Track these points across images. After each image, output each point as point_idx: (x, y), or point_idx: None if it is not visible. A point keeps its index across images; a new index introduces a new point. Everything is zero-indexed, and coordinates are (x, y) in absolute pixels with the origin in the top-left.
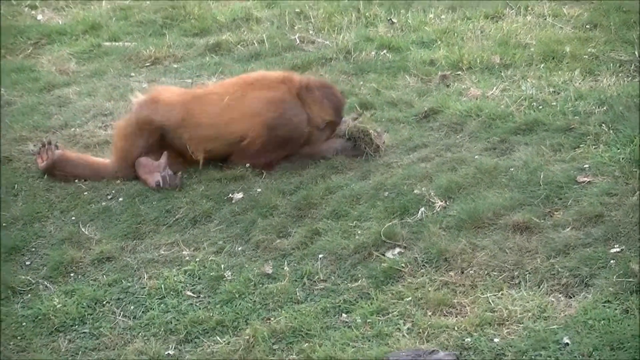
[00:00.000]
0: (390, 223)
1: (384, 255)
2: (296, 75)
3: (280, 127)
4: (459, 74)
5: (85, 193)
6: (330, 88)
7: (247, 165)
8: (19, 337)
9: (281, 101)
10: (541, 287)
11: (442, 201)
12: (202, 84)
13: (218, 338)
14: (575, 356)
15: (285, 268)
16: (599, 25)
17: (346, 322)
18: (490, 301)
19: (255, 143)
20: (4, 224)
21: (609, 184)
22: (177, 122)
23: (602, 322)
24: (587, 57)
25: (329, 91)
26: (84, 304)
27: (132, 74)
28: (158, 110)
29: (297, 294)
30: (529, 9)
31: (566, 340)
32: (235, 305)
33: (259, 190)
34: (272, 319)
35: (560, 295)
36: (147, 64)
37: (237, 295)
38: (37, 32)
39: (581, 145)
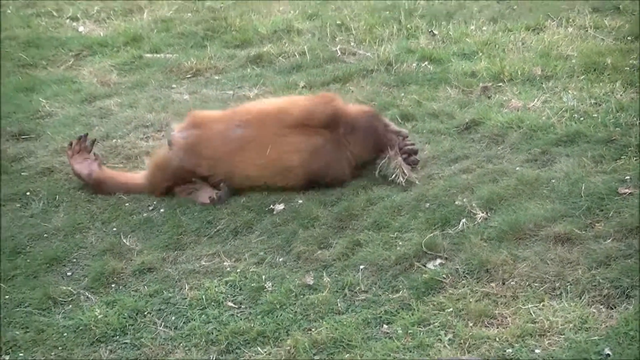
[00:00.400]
0: (431, 234)
1: (425, 266)
2: (340, 108)
3: (321, 176)
4: (500, 86)
5: (127, 204)
6: (373, 126)
7: None
8: (60, 348)
9: (324, 151)
10: (582, 298)
11: (483, 212)
12: (242, 99)
13: (259, 349)
14: None
15: (326, 279)
16: None
17: (387, 332)
18: (532, 312)
19: (296, 189)
20: (45, 235)
21: None
22: (222, 174)
23: None
24: (628, 68)
25: (372, 129)
26: (125, 314)
27: (174, 86)
28: (202, 164)
29: (338, 304)
30: (570, 20)
31: (607, 351)
32: (277, 316)
33: (300, 201)
34: (313, 329)
35: (601, 307)
36: (189, 76)
37: (278, 306)
38: (78, 43)
39: (622, 157)
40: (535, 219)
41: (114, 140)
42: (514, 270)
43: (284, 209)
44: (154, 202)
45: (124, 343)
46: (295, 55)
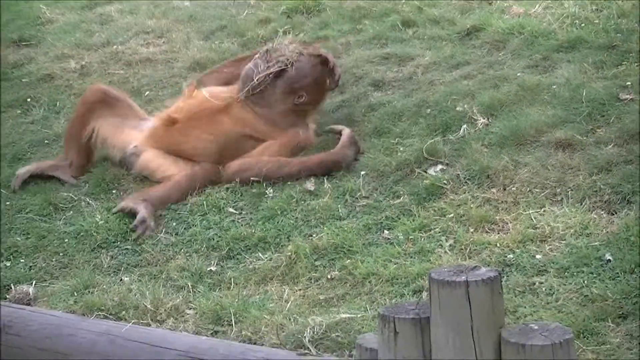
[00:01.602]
0: (432, 140)
1: (426, 172)
2: None
3: None
4: None
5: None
6: None
7: None
8: (61, 254)
9: None
10: (583, 204)
11: (484, 118)
12: (242, 5)
13: (260, 254)
14: (617, 273)
15: (327, 185)
16: None
17: (388, 238)
18: (533, 218)
19: None
20: (45, 141)
21: None
22: None
23: None
24: None
25: None
26: (126, 220)
27: None
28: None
29: (339, 210)
30: None
31: (608, 256)
32: (277, 222)
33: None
34: (314, 235)
35: (602, 212)
36: None
37: (279, 212)
38: None
39: (623, 63)
40: (536, 125)
41: (115, 47)
42: (514, 175)
43: None
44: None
45: (125, 249)
46: None
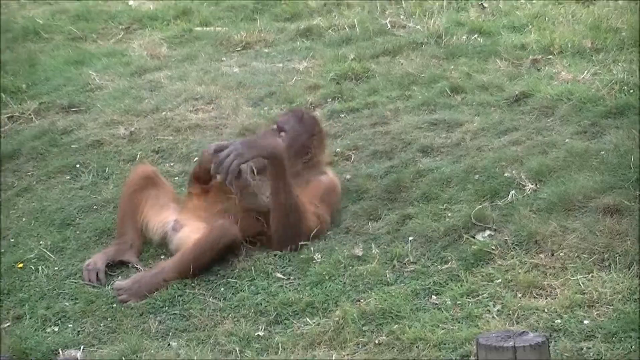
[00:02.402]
0: (480, 206)
1: (474, 237)
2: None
3: None
4: (550, 58)
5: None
6: None
7: None
8: (109, 319)
9: None
10: (631, 269)
11: (532, 184)
12: (291, 72)
13: (308, 319)
14: None
15: (375, 250)
16: None
17: (436, 304)
18: (580, 283)
19: None
20: (94, 207)
21: None
22: None
23: None
24: None
25: None
26: (174, 286)
27: (223, 59)
28: None
29: (387, 276)
30: None
31: None
32: (325, 287)
33: (348, 176)
34: (361, 300)
35: None
36: (238, 49)
37: (326, 277)
38: (128, 17)
39: None
40: (584, 191)
41: (164, 113)
42: (562, 241)
43: None
44: None
45: (173, 314)
46: (345, 28)
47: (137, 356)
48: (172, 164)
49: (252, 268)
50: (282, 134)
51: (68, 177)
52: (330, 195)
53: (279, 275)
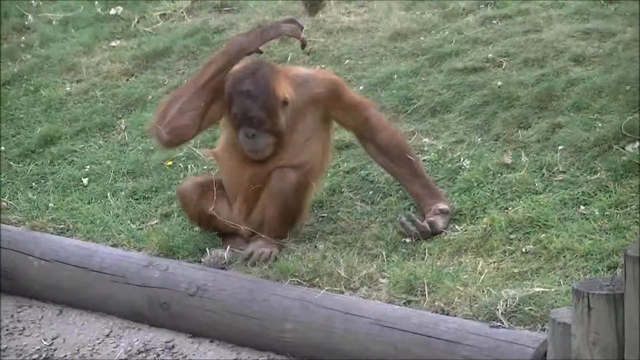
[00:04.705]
0: (631, 117)
1: (624, 148)
2: None
3: None
4: None
5: None
6: None
7: None
8: None
9: None
10: None
11: None
12: None
13: (456, 226)
14: None
15: (524, 158)
16: None
17: (584, 214)
18: None
19: None
20: None
21: None
22: None
23: None
24: None
25: None
26: (323, 191)
27: None
28: None
29: (536, 184)
30: None
31: None
32: (474, 194)
33: (499, 83)
34: (509, 208)
35: None
36: None
37: (475, 184)
38: None
39: None
40: None
41: (316, 15)
42: None
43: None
44: (354, 78)
45: (321, 217)
46: None
47: (283, 257)
48: (323, 66)
49: None
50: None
51: None
52: None
53: None
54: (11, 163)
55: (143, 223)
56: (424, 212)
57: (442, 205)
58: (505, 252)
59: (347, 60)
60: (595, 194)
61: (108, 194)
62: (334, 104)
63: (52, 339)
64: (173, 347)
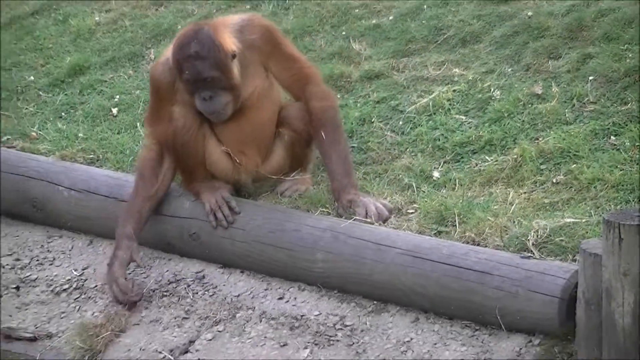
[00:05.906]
0: None
1: None
2: None
3: None
4: None
5: (356, 10)
6: None
7: None
8: None
9: None
10: None
11: None
12: None
13: (486, 156)
14: None
15: (554, 89)
16: None
17: (614, 144)
18: None
19: None
20: None
21: None
22: None
23: None
24: None
25: None
26: (352, 121)
27: None
28: None
29: (566, 115)
30: None
31: None
32: (504, 125)
33: (530, 13)
34: (540, 139)
35: None
36: None
37: (505, 115)
38: None
39: None
40: None
41: None
42: None
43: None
44: (384, 9)
45: (352, 146)
46: None
47: (313, 187)
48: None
49: (431, 104)
50: None
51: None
52: None
53: (457, 114)
54: (40, 93)
55: None
56: (335, 198)
57: (350, 196)
58: (536, 182)
59: None
60: (626, 125)
61: (137, 124)
62: (269, 52)
63: (83, 269)
64: (203, 277)
